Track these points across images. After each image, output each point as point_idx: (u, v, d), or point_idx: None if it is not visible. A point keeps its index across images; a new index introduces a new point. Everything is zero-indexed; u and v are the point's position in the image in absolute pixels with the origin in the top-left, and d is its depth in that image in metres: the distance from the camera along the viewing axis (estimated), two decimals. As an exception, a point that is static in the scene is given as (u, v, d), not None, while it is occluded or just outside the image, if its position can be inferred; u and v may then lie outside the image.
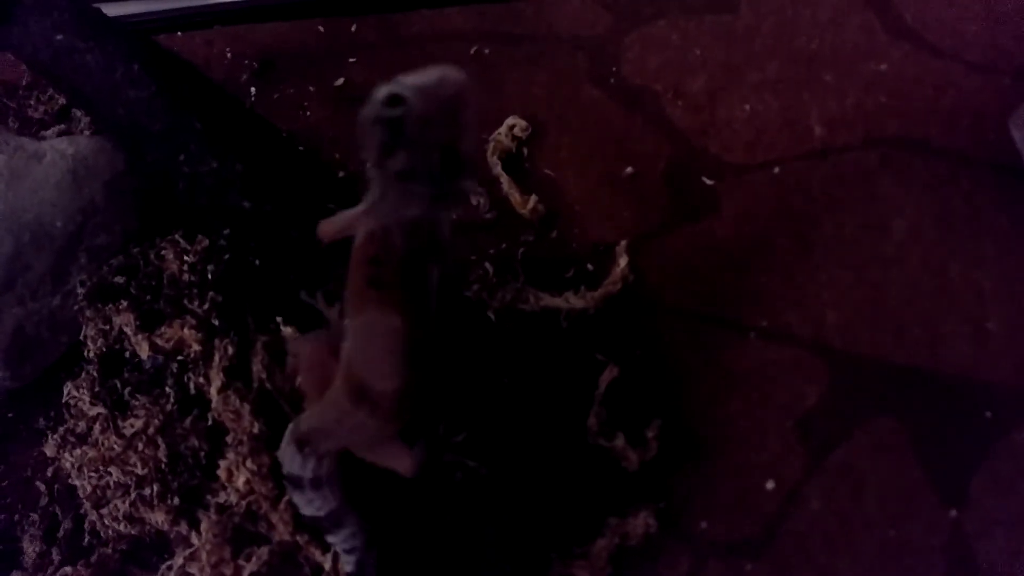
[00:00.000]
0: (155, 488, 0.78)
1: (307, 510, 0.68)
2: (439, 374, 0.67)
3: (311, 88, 1.03)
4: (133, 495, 0.79)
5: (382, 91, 0.52)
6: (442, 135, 0.51)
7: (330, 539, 0.70)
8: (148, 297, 0.85)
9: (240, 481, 0.74)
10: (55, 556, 0.82)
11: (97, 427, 0.82)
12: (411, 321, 0.59)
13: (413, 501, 0.74)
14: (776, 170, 0.91)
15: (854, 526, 0.76)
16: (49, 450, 0.84)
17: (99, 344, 0.85)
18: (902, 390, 0.80)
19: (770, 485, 0.78)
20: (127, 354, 0.85)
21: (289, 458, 0.66)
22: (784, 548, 0.76)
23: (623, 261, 0.86)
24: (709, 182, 0.91)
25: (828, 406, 0.81)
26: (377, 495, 0.71)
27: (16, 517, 0.85)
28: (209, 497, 0.78)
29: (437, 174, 0.52)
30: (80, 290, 0.87)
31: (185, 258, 0.84)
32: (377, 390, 0.61)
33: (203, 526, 0.76)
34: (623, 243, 0.88)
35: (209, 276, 0.83)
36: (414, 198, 0.55)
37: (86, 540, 0.82)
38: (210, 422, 0.80)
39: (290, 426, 0.67)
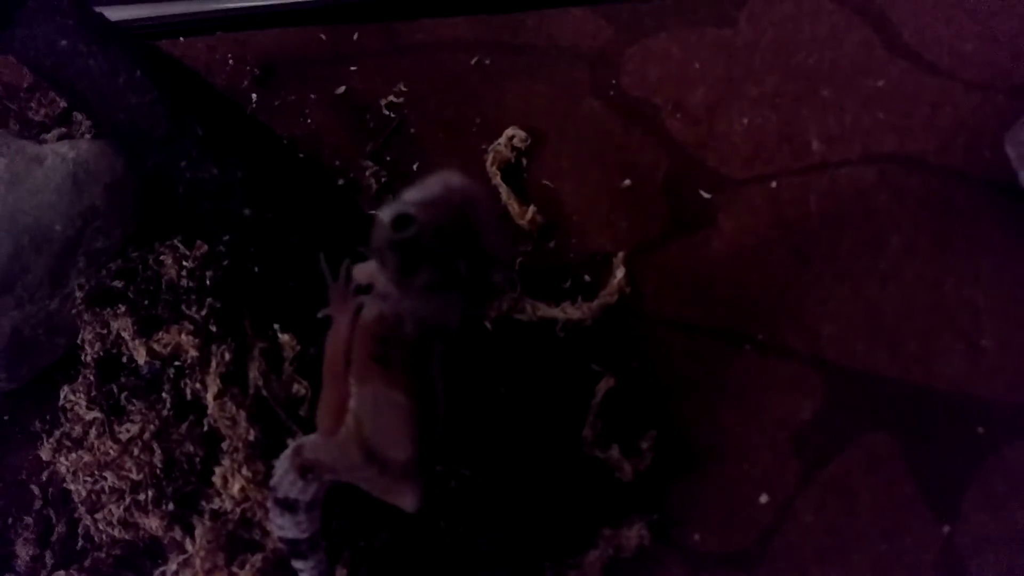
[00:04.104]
0: (150, 493, 0.78)
1: (290, 532, 0.66)
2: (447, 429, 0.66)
3: (312, 95, 1.03)
4: (128, 500, 0.78)
5: (386, 214, 0.50)
6: (461, 240, 0.50)
7: (298, 564, 0.68)
8: (146, 302, 0.84)
9: (235, 488, 0.74)
10: (48, 560, 0.82)
11: (93, 431, 0.82)
12: (416, 396, 0.58)
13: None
14: (773, 184, 0.91)
15: (847, 540, 0.77)
16: (44, 453, 0.84)
17: (96, 348, 0.85)
18: (896, 405, 0.81)
19: (763, 498, 0.79)
20: (124, 359, 0.85)
21: (289, 484, 0.64)
22: (777, 561, 0.76)
23: (620, 272, 0.87)
24: (707, 195, 0.92)
25: (822, 420, 0.81)
26: (370, 504, 0.71)
27: (10, 520, 0.85)
28: (204, 503, 0.78)
29: (465, 279, 0.51)
30: (78, 293, 0.87)
31: (184, 263, 0.84)
32: (389, 458, 0.60)
33: (197, 532, 0.76)
34: (620, 254, 0.88)
35: (208, 282, 0.83)
36: (446, 304, 0.54)
37: (80, 544, 0.82)
38: (206, 428, 0.80)
39: (289, 452, 0.65)
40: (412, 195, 0.51)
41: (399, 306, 0.55)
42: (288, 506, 0.65)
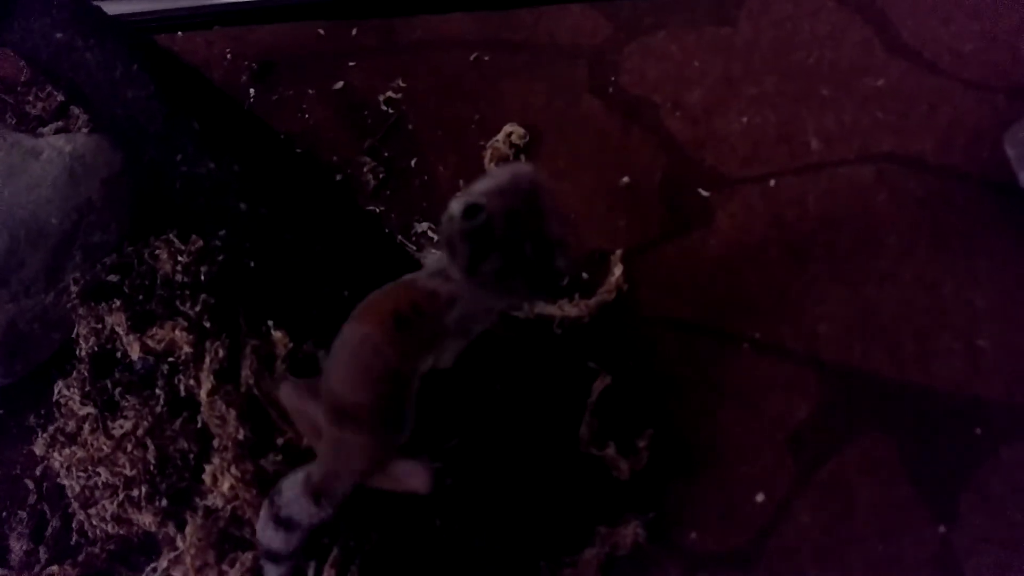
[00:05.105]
0: (143, 489, 0.78)
1: (276, 544, 0.67)
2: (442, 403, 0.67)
3: (310, 91, 1.03)
4: (121, 496, 0.78)
5: (456, 206, 0.52)
6: (529, 226, 0.52)
7: (268, 567, 0.69)
8: (141, 297, 0.84)
9: (225, 486, 0.74)
10: (42, 554, 0.82)
11: (87, 427, 0.82)
12: (399, 363, 0.59)
13: (402, 508, 0.74)
14: (772, 183, 0.91)
15: (844, 540, 0.76)
16: (38, 448, 0.84)
17: (91, 343, 0.85)
18: (893, 405, 0.80)
19: (760, 498, 0.78)
20: (118, 354, 0.85)
21: (299, 509, 0.65)
22: (773, 561, 0.76)
23: (618, 270, 0.87)
24: (705, 194, 0.91)
25: (819, 420, 0.80)
26: (366, 501, 0.71)
27: (4, 514, 0.85)
28: (197, 500, 0.78)
29: (534, 264, 0.53)
30: (74, 288, 0.87)
31: (179, 258, 0.84)
32: (351, 403, 0.61)
33: (188, 529, 0.76)
34: (618, 252, 0.88)
35: (202, 278, 0.83)
36: (513, 292, 0.56)
37: (73, 539, 0.81)
38: (200, 424, 0.80)
39: (300, 479, 0.66)
40: (480, 186, 0.53)
41: (458, 292, 0.57)
42: (287, 526, 0.66)
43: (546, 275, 0.54)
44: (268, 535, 0.67)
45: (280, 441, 0.76)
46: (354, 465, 0.65)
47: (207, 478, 0.75)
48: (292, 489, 0.66)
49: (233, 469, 0.74)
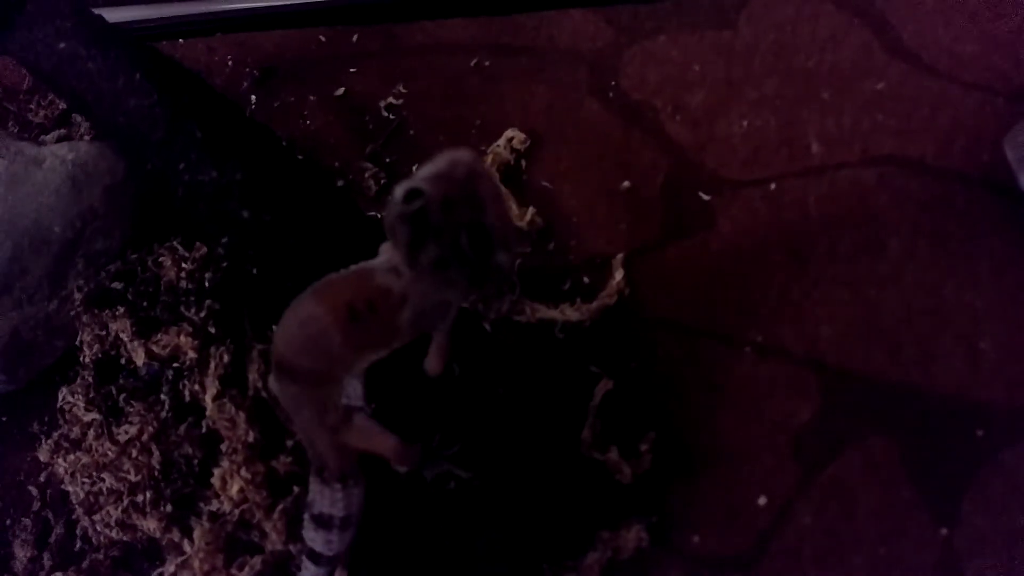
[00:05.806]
0: (148, 495, 0.78)
1: (316, 544, 0.68)
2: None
3: (312, 97, 1.03)
4: (126, 501, 0.79)
5: (399, 190, 0.52)
6: (465, 215, 0.52)
7: (307, 566, 0.70)
8: (145, 304, 0.85)
9: (234, 489, 0.74)
10: (46, 561, 0.82)
11: (91, 433, 0.82)
12: (348, 348, 0.59)
13: (405, 511, 0.74)
14: (773, 186, 0.91)
15: (845, 543, 0.76)
16: (43, 455, 0.85)
17: (95, 350, 0.85)
18: (895, 408, 0.80)
19: (762, 500, 0.79)
20: (123, 360, 0.85)
21: (320, 498, 0.67)
22: (775, 564, 0.76)
23: (619, 274, 0.87)
24: (706, 197, 0.92)
25: (821, 422, 0.81)
26: (369, 504, 0.71)
27: (8, 521, 0.85)
28: (202, 505, 0.78)
29: (469, 254, 0.52)
30: (77, 295, 0.87)
31: (183, 265, 0.85)
32: (288, 361, 0.61)
33: (196, 534, 0.76)
34: (619, 256, 0.88)
35: (206, 284, 0.83)
36: (452, 284, 0.56)
37: (78, 546, 0.82)
38: (204, 430, 0.80)
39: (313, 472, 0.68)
40: (424, 171, 0.53)
41: (408, 288, 0.57)
42: (324, 523, 0.67)
43: (484, 268, 0.53)
44: (309, 535, 0.68)
45: (290, 443, 0.76)
46: (304, 418, 0.64)
47: (216, 481, 0.76)
48: (311, 483, 0.67)
49: (243, 471, 0.74)
